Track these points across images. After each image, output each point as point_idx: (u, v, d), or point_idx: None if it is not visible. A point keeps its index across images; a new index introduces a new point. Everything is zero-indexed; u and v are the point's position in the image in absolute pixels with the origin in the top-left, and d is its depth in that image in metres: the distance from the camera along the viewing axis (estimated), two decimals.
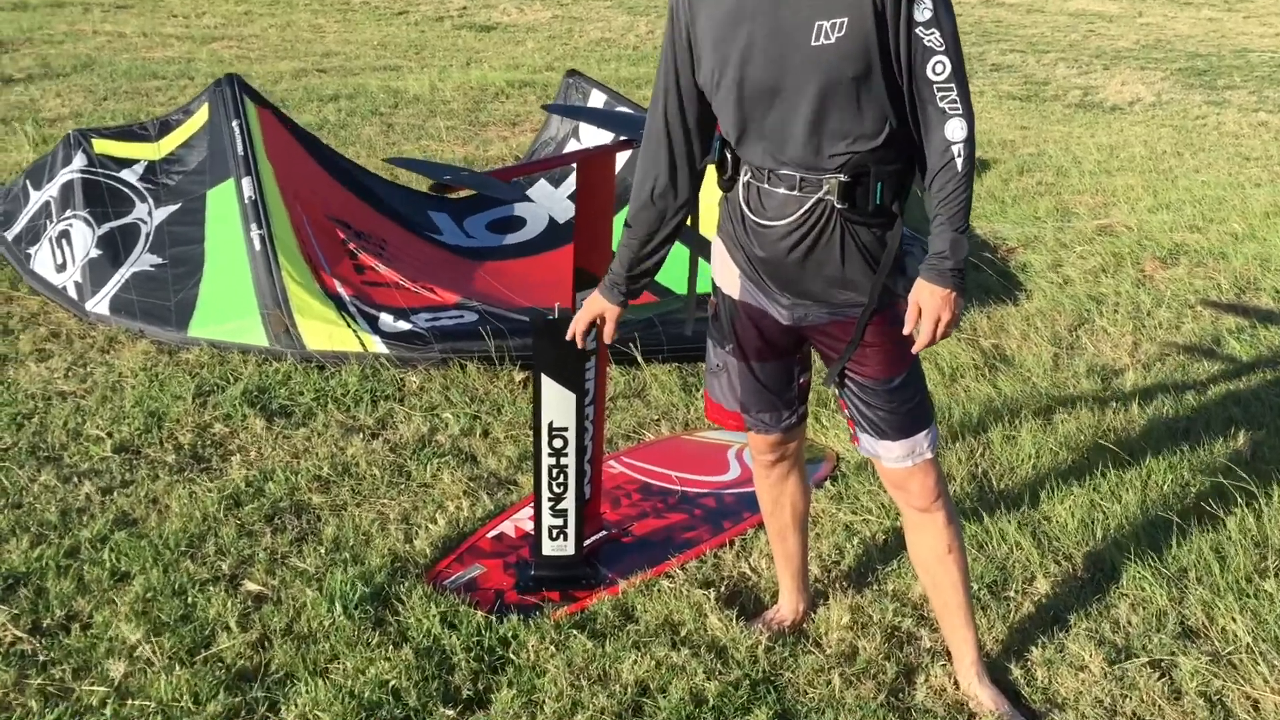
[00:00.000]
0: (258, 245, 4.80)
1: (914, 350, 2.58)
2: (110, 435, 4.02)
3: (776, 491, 3.12)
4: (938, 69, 2.39)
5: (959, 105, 2.42)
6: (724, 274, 2.83)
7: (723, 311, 2.86)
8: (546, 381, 3.12)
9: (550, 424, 3.17)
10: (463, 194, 5.33)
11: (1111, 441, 4.13)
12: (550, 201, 5.70)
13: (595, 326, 2.87)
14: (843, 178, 2.48)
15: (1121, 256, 6.43)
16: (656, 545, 3.53)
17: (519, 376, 4.59)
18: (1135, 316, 5.55)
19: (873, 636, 3.13)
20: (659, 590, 3.28)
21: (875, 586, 3.39)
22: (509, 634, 3.05)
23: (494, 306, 4.86)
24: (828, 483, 3.87)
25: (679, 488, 3.85)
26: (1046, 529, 3.64)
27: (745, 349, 2.84)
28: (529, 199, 5.71)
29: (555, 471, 3.23)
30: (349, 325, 4.63)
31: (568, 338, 2.88)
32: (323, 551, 3.36)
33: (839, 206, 2.50)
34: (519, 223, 5.62)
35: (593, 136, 5.89)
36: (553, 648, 3.00)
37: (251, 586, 3.19)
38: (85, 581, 3.20)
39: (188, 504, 3.59)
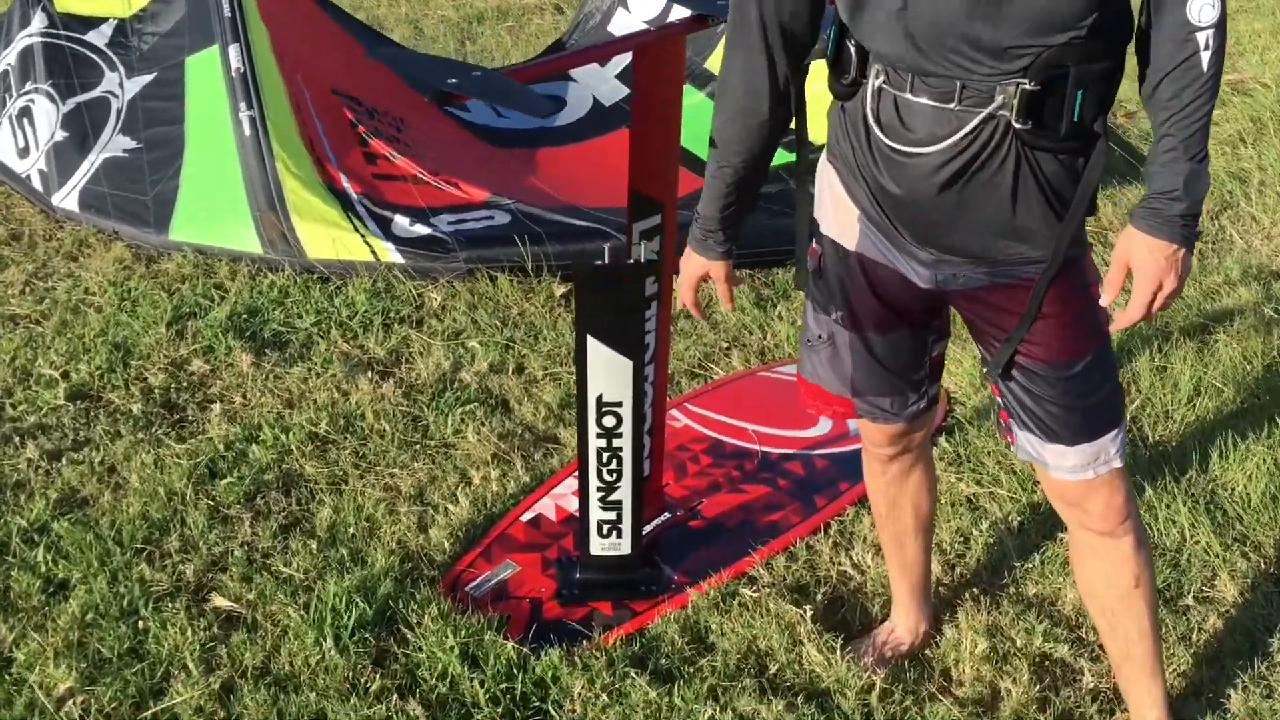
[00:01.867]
0: (247, 130, 4.00)
1: (1116, 326, 1.85)
2: (66, 376, 3.31)
3: (894, 491, 2.37)
4: None
5: None
6: (834, 215, 2.05)
7: (829, 266, 2.09)
8: (594, 346, 2.36)
9: (599, 399, 2.42)
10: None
11: None
12: (595, 81, 4.80)
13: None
14: (1027, 84, 1.70)
15: (1262, 122, 5.46)
16: (732, 532, 2.80)
17: (559, 291, 3.82)
18: None
19: (1017, 671, 2.42)
20: (739, 602, 2.57)
21: (1013, 591, 2.66)
22: (547, 674, 2.35)
23: (530, 205, 4.05)
24: (940, 436, 3.11)
25: (758, 447, 3.10)
26: (1223, 502, 2.87)
27: (861, 317, 2.08)
28: (570, 78, 4.80)
29: (606, 456, 2.49)
30: (356, 229, 3.86)
31: (680, 307, 2.14)
32: (314, 547, 2.66)
33: (1018, 126, 1.73)
34: (557, 104, 4.73)
35: (646, 6, 4.96)
36: (604, 695, 2.31)
37: (221, 603, 2.51)
38: (11, 596, 2.52)
39: (151, 477, 2.89)
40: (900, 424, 2.23)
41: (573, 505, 2.85)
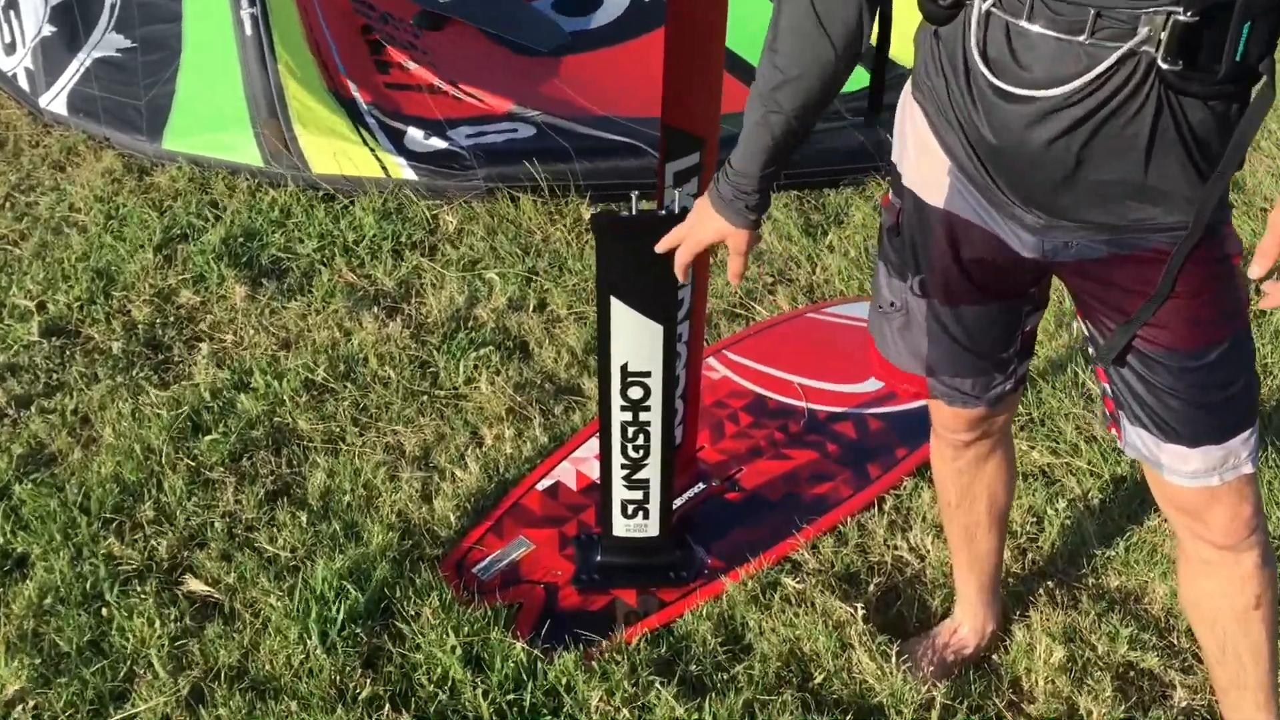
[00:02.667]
0: (248, 29, 3.62)
1: (1267, 304, 1.51)
2: (42, 307, 3.01)
3: (967, 479, 2.05)
4: None
5: None
6: (918, 164, 1.70)
7: (908, 222, 1.74)
8: (618, 308, 2.02)
9: (624, 368, 2.09)
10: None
11: None
12: None
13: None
14: (1181, 13, 1.34)
15: None
16: (774, 507, 2.48)
17: (588, 214, 3.45)
18: None
19: (1099, 685, 2.11)
20: (781, 592, 2.26)
21: (1092, 583, 2.34)
22: (561, 681, 2.06)
23: (558, 117, 3.67)
24: None
25: (804, 404, 2.76)
26: None
27: (943, 286, 1.74)
28: None
29: (632, 431, 2.16)
30: (365, 142, 3.50)
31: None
32: (304, 520, 2.37)
33: (1165, 67, 1.37)
34: (593, 2, 4.29)
35: None
36: (625, 710, 2.02)
37: (196, 587, 2.22)
38: None
39: (127, 431, 2.59)
40: (981, 408, 1.89)
41: (595, 471, 2.54)
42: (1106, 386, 1.73)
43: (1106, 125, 1.43)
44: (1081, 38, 1.38)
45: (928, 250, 1.72)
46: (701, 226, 1.76)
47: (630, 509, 2.26)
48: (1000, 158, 1.53)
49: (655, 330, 2.04)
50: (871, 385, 2.82)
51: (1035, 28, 1.41)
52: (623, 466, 2.21)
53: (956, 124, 1.57)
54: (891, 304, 1.83)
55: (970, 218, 1.65)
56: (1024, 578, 2.35)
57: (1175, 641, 2.22)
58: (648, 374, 2.10)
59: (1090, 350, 1.76)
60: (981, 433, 1.96)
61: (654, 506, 2.26)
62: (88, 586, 2.20)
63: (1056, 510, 2.47)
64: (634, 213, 1.92)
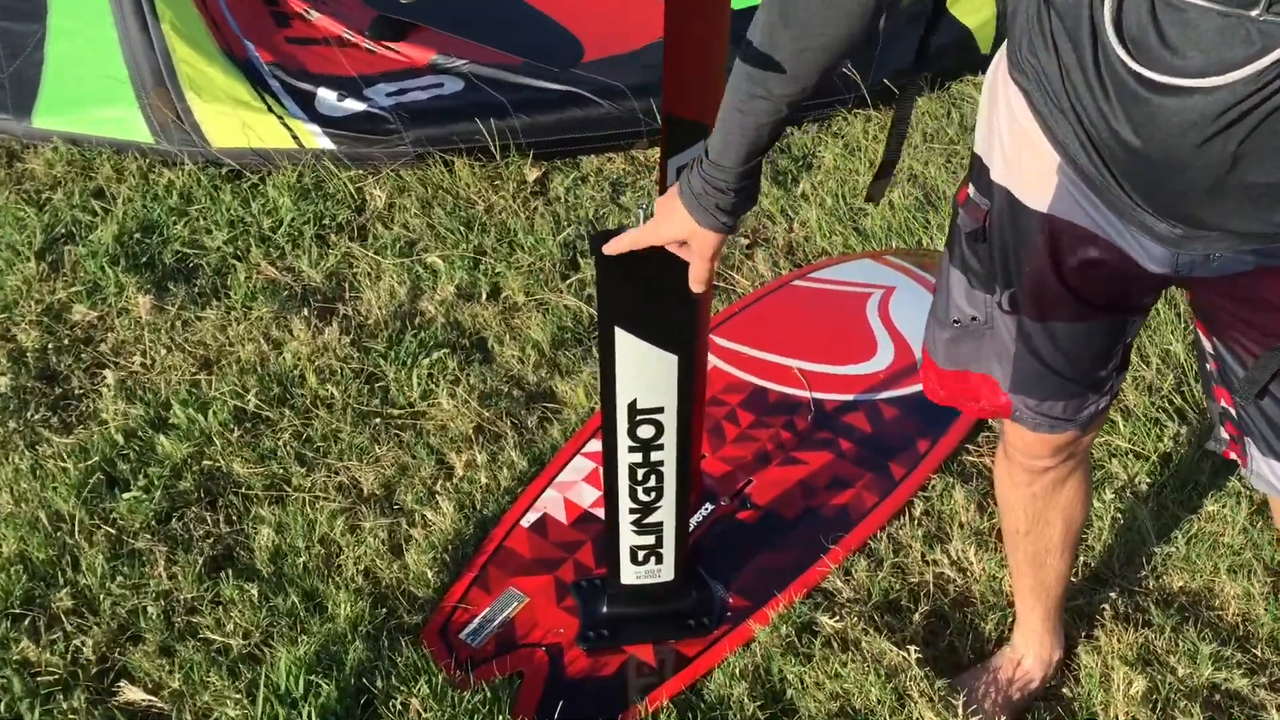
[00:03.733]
0: None
1: None
2: None
3: (1041, 505, 1.76)
4: None
5: None
6: (1016, 158, 1.38)
7: (998, 227, 1.42)
8: (625, 341, 1.67)
9: (632, 405, 1.75)
10: None
11: None
12: None
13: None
14: None
15: None
16: (794, 525, 2.18)
17: (532, 175, 3.07)
18: None
19: (1188, 717, 1.86)
20: (819, 634, 1.97)
21: (1155, 585, 2.10)
22: None
23: (487, 67, 3.25)
24: None
25: (808, 393, 2.45)
26: None
27: (1040, 301, 1.44)
28: None
29: (643, 474, 1.83)
30: (270, 109, 3.06)
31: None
32: (255, 595, 2.00)
33: None
34: None
35: None
36: None
37: (133, 696, 1.85)
38: None
39: (29, 493, 2.19)
40: (1071, 431, 1.60)
41: (585, 498, 2.21)
42: (1230, 410, 1.45)
43: (1272, 118, 1.11)
44: (1255, 12, 1.06)
45: (1021, 260, 1.41)
46: (665, 222, 1.47)
47: (641, 555, 1.94)
48: (1137, 161, 1.21)
49: (669, 361, 1.70)
50: (875, 363, 2.53)
51: None
52: (632, 511, 1.88)
53: (1073, 114, 1.24)
54: (973, 318, 1.52)
55: (1082, 224, 1.34)
56: (1081, 586, 2.09)
57: (1258, 653, 1.98)
58: (660, 410, 1.76)
59: (1208, 366, 1.47)
60: (1066, 455, 1.67)
61: (668, 550, 1.95)
62: (1, 709, 1.83)
63: (1104, 501, 2.20)
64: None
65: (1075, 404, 1.56)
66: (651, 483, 1.84)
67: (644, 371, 1.71)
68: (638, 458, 1.81)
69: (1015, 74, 1.32)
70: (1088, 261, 1.37)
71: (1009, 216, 1.41)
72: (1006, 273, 1.44)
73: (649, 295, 1.62)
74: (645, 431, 1.78)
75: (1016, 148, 1.36)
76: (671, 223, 1.46)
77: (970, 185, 1.47)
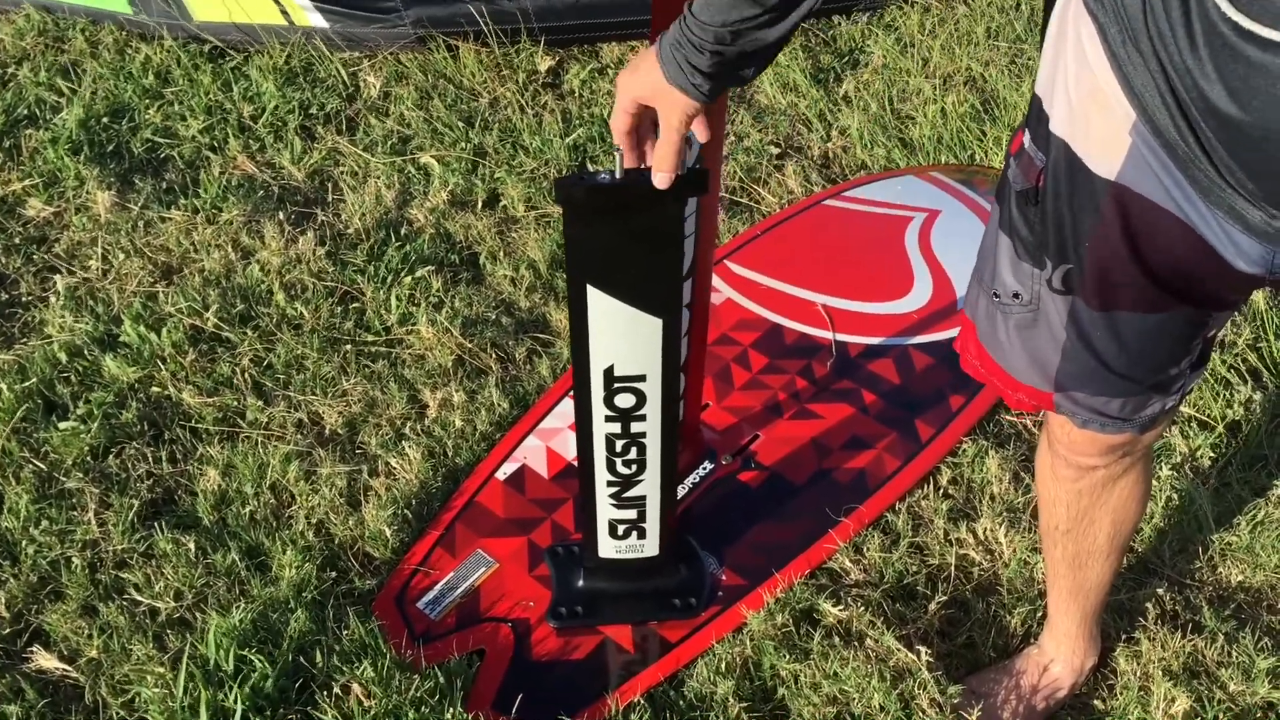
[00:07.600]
0: None
1: None
2: None
3: (1088, 503, 1.51)
4: None
5: None
6: (1082, 109, 1.11)
7: (1053, 187, 1.14)
8: (599, 300, 1.41)
9: (609, 371, 1.50)
10: None
11: None
12: None
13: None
14: None
15: None
16: (803, 491, 1.94)
17: (544, 65, 2.77)
18: None
19: None
20: (822, 624, 1.74)
21: (1209, 579, 1.84)
22: None
23: None
24: None
25: (831, 335, 2.18)
26: None
27: (1102, 284, 1.17)
28: None
29: (622, 445, 1.59)
30: None
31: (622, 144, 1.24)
32: (192, 549, 1.80)
33: None
34: None
35: None
36: None
37: (47, 663, 1.66)
38: None
39: None
40: (1127, 433, 1.33)
41: (571, 448, 1.98)
42: None
43: None
44: None
45: (1081, 233, 1.12)
46: (633, 73, 1.24)
47: (622, 530, 1.71)
48: (1226, 128, 0.93)
49: (652, 325, 1.44)
50: (913, 302, 2.25)
51: None
52: (610, 484, 1.64)
53: (1156, 63, 0.95)
54: (1015, 295, 1.24)
55: (1159, 199, 1.05)
56: (1124, 577, 1.84)
57: None
58: (641, 378, 1.51)
59: None
60: (1122, 453, 1.40)
61: (652, 526, 1.71)
62: None
63: (1160, 479, 1.94)
64: (616, 176, 1.29)
65: (1135, 403, 1.28)
66: (632, 455, 1.60)
67: (622, 336, 1.45)
68: (615, 428, 1.57)
69: (1093, 4, 1.02)
70: (1163, 244, 1.09)
71: (1067, 177, 1.11)
72: (1062, 245, 1.16)
73: (627, 253, 1.36)
74: (624, 400, 1.53)
75: (1084, 96, 1.06)
76: (638, 74, 1.23)
77: (1026, 132, 1.17)
